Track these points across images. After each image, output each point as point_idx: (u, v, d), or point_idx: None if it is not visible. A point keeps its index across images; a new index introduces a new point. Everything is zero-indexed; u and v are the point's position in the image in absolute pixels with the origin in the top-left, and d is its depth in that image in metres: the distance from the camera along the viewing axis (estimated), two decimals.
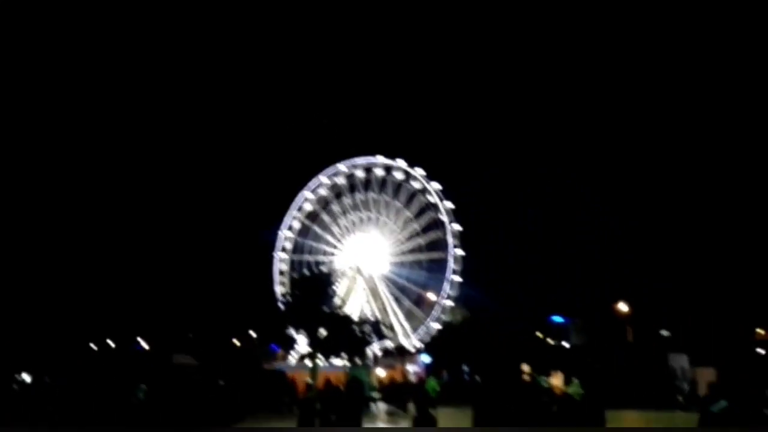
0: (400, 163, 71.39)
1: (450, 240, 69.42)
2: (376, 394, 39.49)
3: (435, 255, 70.85)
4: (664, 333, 73.33)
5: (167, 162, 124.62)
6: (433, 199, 70.51)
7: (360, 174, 73.89)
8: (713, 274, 68.67)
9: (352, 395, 13.68)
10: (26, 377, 60.22)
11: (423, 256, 71.95)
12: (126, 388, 30.95)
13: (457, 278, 68.76)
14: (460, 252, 69.01)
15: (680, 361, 51.68)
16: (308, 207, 74.68)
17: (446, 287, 69.04)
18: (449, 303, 69.47)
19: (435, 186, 70.42)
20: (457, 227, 69.40)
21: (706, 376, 53.59)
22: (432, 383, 31.96)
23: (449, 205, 69.89)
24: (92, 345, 77.30)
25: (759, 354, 70.20)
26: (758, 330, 75.30)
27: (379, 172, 73.03)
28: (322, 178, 74.15)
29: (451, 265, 69.06)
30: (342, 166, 73.82)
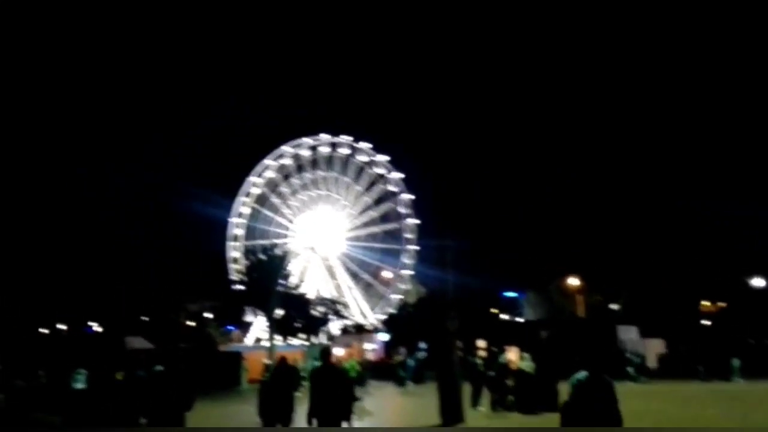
0: (345, 138, 71.12)
1: (402, 210, 69.71)
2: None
3: (389, 226, 71.14)
4: (614, 306, 75.27)
5: (119, 148, 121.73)
6: (381, 170, 70.60)
7: (306, 153, 73.23)
8: (661, 248, 70.45)
9: (284, 377, 13.82)
10: None
11: (377, 229, 72.04)
12: (64, 374, 29.31)
13: (413, 247, 69.20)
14: (413, 221, 69.34)
15: (630, 333, 53.08)
16: (256, 191, 73.60)
17: (403, 257, 69.55)
18: (408, 272, 69.87)
19: (382, 158, 70.49)
20: (408, 196, 69.66)
21: (655, 347, 55.43)
22: (352, 363, 32.69)
23: (398, 175, 70.10)
24: (43, 330, 75.63)
25: (704, 325, 72.70)
26: (703, 302, 77.95)
27: (325, 149, 72.55)
28: (268, 161, 73.20)
29: (406, 234, 69.52)
30: (287, 147, 73.03)
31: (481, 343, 46.92)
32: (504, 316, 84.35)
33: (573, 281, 72.20)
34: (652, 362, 48.83)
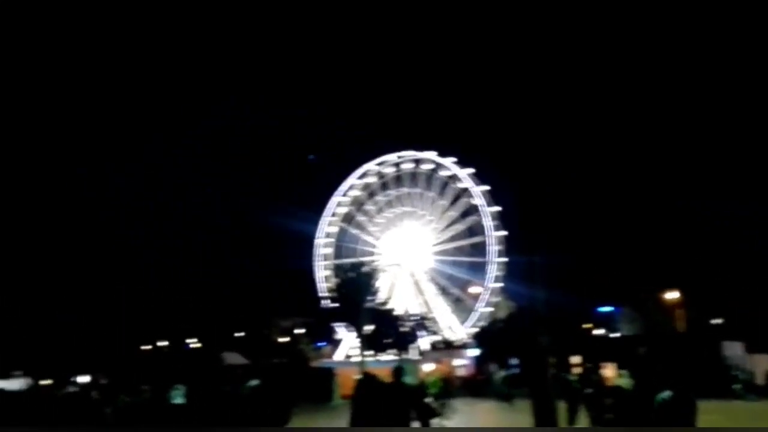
0: (428, 154, 71.47)
1: (488, 222, 69.34)
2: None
3: (475, 240, 70.82)
4: (716, 321, 71.56)
5: (208, 168, 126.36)
6: (466, 184, 70.51)
7: (390, 170, 74.05)
8: (766, 257, 66.53)
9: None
10: (84, 379, 61.99)
11: (464, 242, 71.86)
12: (166, 389, 30.64)
13: (501, 259, 68.64)
14: (499, 233, 68.81)
15: (735, 349, 50.35)
16: (342, 210, 74.98)
17: (491, 270, 69.08)
18: (497, 285, 69.39)
19: (466, 171, 70.35)
20: (494, 209, 69.25)
21: (763, 363, 52.25)
22: (433, 380, 32.54)
23: (483, 188, 69.79)
24: (144, 346, 78.98)
25: None
26: None
27: (408, 165, 73.11)
28: (353, 179, 74.54)
29: (493, 247, 69.00)
30: (371, 165, 74.10)
31: (575, 360, 45.71)
32: (598, 332, 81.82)
33: (671, 295, 69.23)
34: (760, 379, 46.11)
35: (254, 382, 10.13)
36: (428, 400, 30.59)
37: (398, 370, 10.27)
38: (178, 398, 29.01)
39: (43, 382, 57.33)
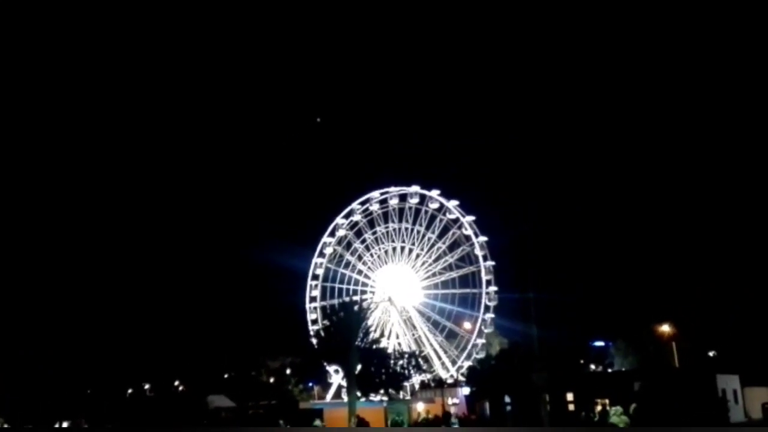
0: (415, 188, 72.15)
1: (478, 252, 69.62)
2: None
3: (465, 271, 70.82)
4: (711, 353, 70.84)
5: (195, 212, 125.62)
6: (454, 215, 70.92)
7: (376, 207, 74.13)
8: (760, 288, 66.16)
9: None
10: (65, 424, 60.34)
11: (454, 274, 71.73)
12: None
13: (493, 288, 68.84)
14: (490, 263, 69.25)
15: (730, 382, 49.66)
16: (330, 250, 74.90)
17: (484, 300, 68.98)
18: (490, 316, 69.20)
19: (453, 203, 71.04)
20: (482, 239, 69.59)
21: (758, 396, 51.53)
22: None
23: (470, 217, 70.37)
24: (129, 389, 77.01)
25: None
26: None
27: (395, 200, 73.33)
28: (339, 219, 74.86)
29: (484, 277, 69.14)
30: (355, 204, 74.52)
31: (569, 397, 44.81)
32: (594, 367, 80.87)
33: (665, 328, 68.57)
34: (756, 413, 45.46)
35: None
36: None
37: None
38: None
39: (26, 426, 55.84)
